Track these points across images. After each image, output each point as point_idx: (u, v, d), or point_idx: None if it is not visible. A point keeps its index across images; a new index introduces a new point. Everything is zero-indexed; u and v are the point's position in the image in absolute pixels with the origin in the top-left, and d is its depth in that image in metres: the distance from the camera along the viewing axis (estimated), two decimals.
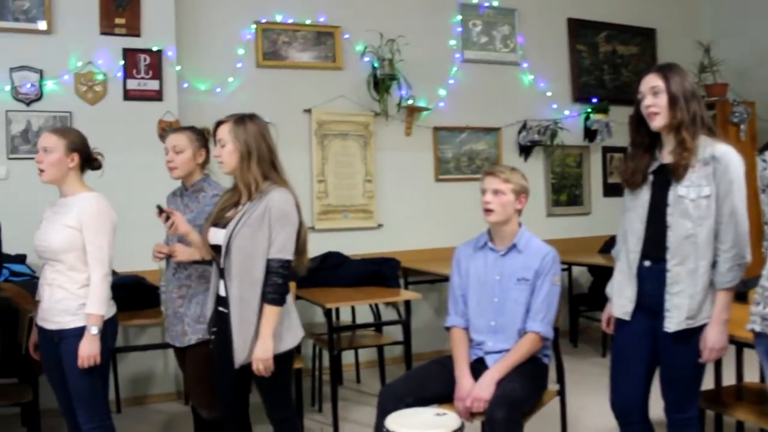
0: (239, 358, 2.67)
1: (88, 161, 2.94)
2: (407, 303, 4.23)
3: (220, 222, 2.77)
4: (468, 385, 2.83)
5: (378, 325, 4.74)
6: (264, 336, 2.64)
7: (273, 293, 2.66)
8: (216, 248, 2.76)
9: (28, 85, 4.47)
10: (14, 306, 3.61)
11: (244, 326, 2.66)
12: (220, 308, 2.79)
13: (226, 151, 2.72)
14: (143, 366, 4.75)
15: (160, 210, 2.88)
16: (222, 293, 2.77)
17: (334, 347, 4.10)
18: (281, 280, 2.67)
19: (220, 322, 2.79)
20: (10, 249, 4.12)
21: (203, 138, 3.16)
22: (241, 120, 2.73)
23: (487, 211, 2.94)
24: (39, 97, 4.51)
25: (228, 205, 2.81)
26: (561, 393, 3.15)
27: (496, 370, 2.83)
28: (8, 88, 4.44)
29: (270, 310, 2.66)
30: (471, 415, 2.78)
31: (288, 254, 2.69)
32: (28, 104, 4.49)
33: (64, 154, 2.82)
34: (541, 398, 2.97)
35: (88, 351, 2.72)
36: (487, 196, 2.94)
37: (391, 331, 4.73)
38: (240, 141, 2.69)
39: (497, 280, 2.98)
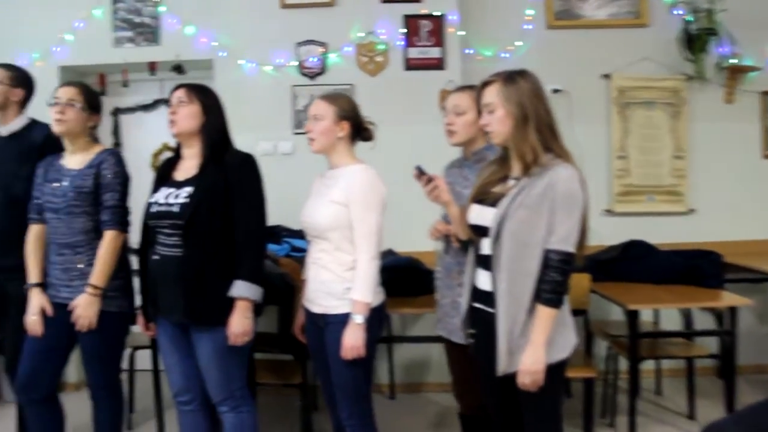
0: (502, 365, 2.16)
1: (359, 131, 2.66)
2: (732, 310, 3.41)
3: (485, 199, 2.27)
4: None
5: (690, 334, 3.92)
6: (535, 343, 2.12)
7: (550, 292, 2.11)
8: (477, 229, 2.28)
9: (313, 59, 4.42)
10: (291, 282, 3.52)
11: (511, 328, 2.14)
12: (478, 304, 2.31)
13: (496, 118, 2.19)
14: (419, 352, 4.50)
15: (420, 172, 2.43)
16: (481, 286, 2.29)
17: (636, 355, 3.41)
18: (561, 277, 2.12)
19: (480, 320, 2.30)
20: (293, 224, 4.13)
21: None
22: (511, 78, 2.19)
23: None
24: (322, 71, 4.44)
25: (493, 180, 2.30)
26: None
27: None
28: (295, 63, 4.43)
29: (545, 313, 2.12)
30: None
31: (571, 246, 2.12)
32: (312, 78, 4.44)
33: (333, 122, 2.57)
34: None
35: (352, 341, 2.44)
36: None
37: (704, 339, 3.90)
38: (513, 103, 2.16)
39: None
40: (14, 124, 3.19)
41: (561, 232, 2.11)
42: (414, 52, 4.43)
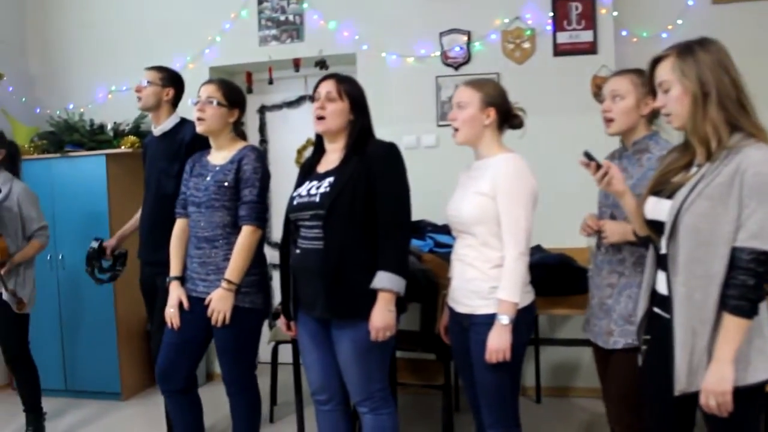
0: (681, 383, 1.86)
1: (507, 118, 2.47)
2: None
3: (663, 190, 1.98)
4: None
5: None
6: (721, 359, 1.78)
7: (739, 298, 1.77)
8: (653, 225, 1.99)
9: (457, 49, 4.27)
10: (434, 279, 3.40)
11: (691, 339, 1.83)
12: (656, 309, 2.03)
13: (673, 97, 1.88)
14: (567, 355, 4.23)
15: (589, 158, 2.15)
16: (660, 289, 2.00)
17: None
18: (753, 281, 1.76)
19: (657, 328, 2.02)
20: (437, 218, 4.01)
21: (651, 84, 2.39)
22: (688, 50, 1.87)
23: None
24: (467, 60, 4.28)
25: (674, 168, 1.99)
26: None
27: None
28: (438, 53, 4.30)
29: (733, 323, 1.78)
30: None
31: (766, 242, 1.76)
32: (456, 68, 4.29)
33: (479, 109, 2.40)
34: None
35: (497, 344, 2.26)
36: None
37: None
38: (691, 79, 1.84)
39: None
40: (166, 123, 3.29)
41: (752, 227, 1.76)
42: (563, 37, 4.16)
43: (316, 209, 2.43)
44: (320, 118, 2.49)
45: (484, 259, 2.36)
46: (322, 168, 2.56)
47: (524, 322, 2.35)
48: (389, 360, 2.59)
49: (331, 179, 2.45)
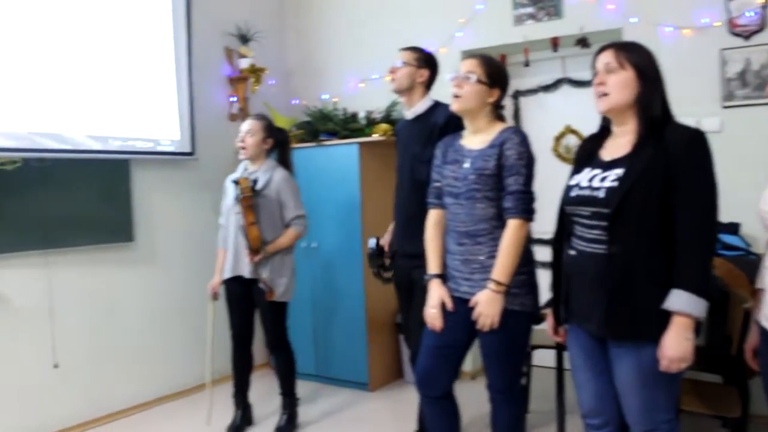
0: None
1: None
2: None
3: None
4: None
5: None
6: None
7: None
8: None
9: (749, 14, 3.61)
10: (724, 288, 2.87)
11: None
12: None
13: None
14: None
15: None
16: None
17: None
18: None
19: None
20: (721, 215, 3.43)
21: None
22: None
23: None
24: (761, 28, 3.60)
25: None
26: None
27: None
28: (722, 21, 3.68)
29: None
30: None
31: None
32: (746, 38, 3.64)
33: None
34: None
35: None
36: None
37: None
38: None
39: None
40: (419, 106, 3.14)
41: None
42: None
43: (600, 206, 2.03)
44: (603, 94, 2.11)
45: None
46: (607, 154, 2.14)
47: None
48: (679, 388, 2.15)
49: (619, 171, 2.04)
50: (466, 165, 2.52)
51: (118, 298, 4.16)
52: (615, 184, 2.02)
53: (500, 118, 2.62)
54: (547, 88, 4.51)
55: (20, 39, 3.57)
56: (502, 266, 2.39)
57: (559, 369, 3.27)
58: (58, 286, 3.84)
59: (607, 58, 2.10)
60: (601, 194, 2.04)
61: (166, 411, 4.24)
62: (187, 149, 4.48)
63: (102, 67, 3.97)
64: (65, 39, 3.79)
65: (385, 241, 3.43)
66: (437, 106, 3.11)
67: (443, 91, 2.83)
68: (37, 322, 3.75)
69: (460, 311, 2.49)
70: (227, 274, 3.65)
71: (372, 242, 3.41)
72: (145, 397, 4.30)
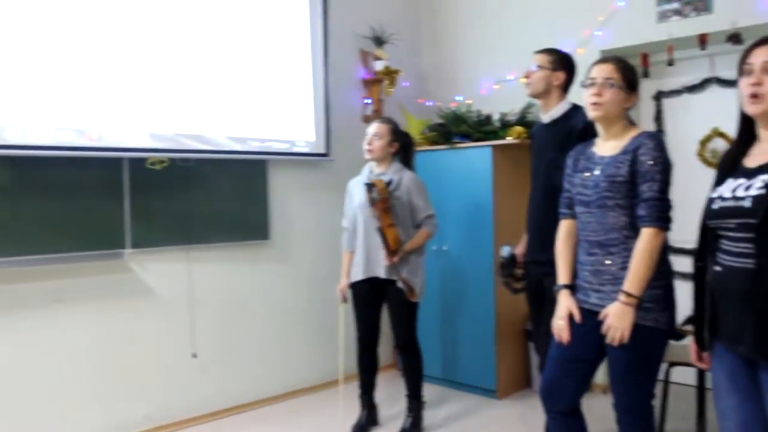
0: None
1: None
2: None
3: None
4: None
5: None
6: None
7: None
8: None
9: None
10: None
11: None
12: None
13: None
14: None
15: None
16: None
17: None
18: None
19: None
20: None
21: None
22: None
23: None
24: None
25: None
26: None
27: None
28: None
29: None
30: None
31: None
32: None
33: None
34: None
35: None
36: None
37: None
38: None
39: None
40: (556, 110, 3.05)
41: None
42: None
43: (746, 217, 1.87)
44: (756, 96, 1.94)
45: None
46: (751, 161, 1.97)
47: None
48: None
49: (765, 177, 1.88)
50: (597, 172, 2.42)
51: (251, 294, 4.35)
52: (762, 191, 1.84)
53: (631, 121, 2.50)
54: (692, 88, 4.25)
55: (167, 48, 3.82)
56: (634, 277, 2.28)
57: (701, 388, 3.06)
58: (198, 280, 4.06)
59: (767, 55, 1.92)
60: (747, 203, 1.87)
61: (293, 406, 4.38)
62: (322, 150, 4.61)
63: (241, 71, 4.16)
64: (206, 45, 4.00)
65: (519, 250, 3.37)
66: (575, 109, 3.01)
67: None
68: (178, 314, 3.99)
69: (589, 324, 2.40)
70: (358, 276, 3.71)
71: (506, 250, 3.35)
72: (272, 391, 4.46)
